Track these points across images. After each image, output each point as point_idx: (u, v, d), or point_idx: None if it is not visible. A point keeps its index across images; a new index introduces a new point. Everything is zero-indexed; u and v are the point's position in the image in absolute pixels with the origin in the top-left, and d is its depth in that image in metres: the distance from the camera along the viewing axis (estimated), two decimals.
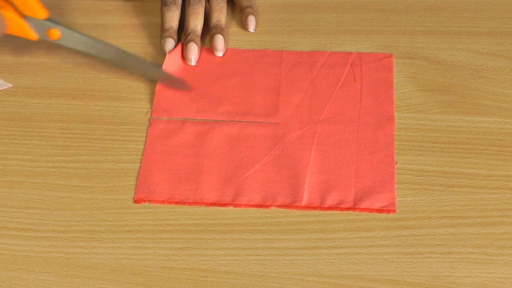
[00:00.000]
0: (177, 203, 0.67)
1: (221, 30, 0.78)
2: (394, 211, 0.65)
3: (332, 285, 0.61)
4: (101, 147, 0.71)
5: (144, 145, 0.71)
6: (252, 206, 0.67)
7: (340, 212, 0.65)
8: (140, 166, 0.69)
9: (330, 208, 0.66)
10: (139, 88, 0.76)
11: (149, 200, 0.67)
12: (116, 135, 0.72)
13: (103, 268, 0.63)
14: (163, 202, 0.67)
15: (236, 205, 0.67)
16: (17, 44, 0.81)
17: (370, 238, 0.64)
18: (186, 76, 0.77)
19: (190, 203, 0.67)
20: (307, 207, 0.66)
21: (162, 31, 0.78)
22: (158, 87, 0.76)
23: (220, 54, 0.78)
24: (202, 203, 0.67)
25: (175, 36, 0.78)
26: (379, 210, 0.66)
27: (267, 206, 0.67)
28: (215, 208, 0.67)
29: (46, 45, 0.78)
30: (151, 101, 0.75)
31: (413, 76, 0.75)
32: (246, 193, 0.67)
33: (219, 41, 0.78)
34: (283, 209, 0.66)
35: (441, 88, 0.74)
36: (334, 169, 0.68)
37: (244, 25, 0.80)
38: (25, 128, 0.73)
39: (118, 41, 0.81)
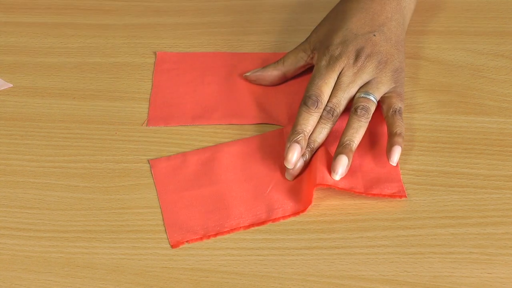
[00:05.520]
0: (215, 235, 0.64)
1: (348, 152, 0.66)
2: (405, 196, 0.65)
3: (333, 285, 0.61)
4: (101, 147, 0.71)
5: (156, 189, 0.68)
6: (290, 216, 0.65)
7: (340, 212, 0.65)
8: (161, 211, 0.66)
9: (343, 189, 0.65)
10: (139, 88, 0.76)
11: (186, 241, 0.64)
12: (116, 135, 0.72)
13: (103, 268, 0.63)
14: (201, 239, 0.64)
15: (274, 220, 0.65)
16: (17, 44, 0.81)
17: (371, 238, 0.63)
18: (180, 83, 0.76)
19: (228, 232, 0.64)
20: (321, 184, 0.65)
21: (292, 133, 0.67)
22: (153, 96, 0.75)
23: (337, 177, 0.65)
24: (240, 227, 0.64)
25: (305, 143, 0.67)
26: (392, 195, 0.65)
27: (303, 210, 0.65)
28: None
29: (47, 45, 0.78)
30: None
31: (414, 76, 0.75)
32: (277, 206, 0.66)
33: (341, 163, 0.65)
34: None
35: (441, 88, 0.74)
36: None
37: (386, 152, 0.66)
38: (26, 128, 0.73)
39: (118, 41, 0.81)
